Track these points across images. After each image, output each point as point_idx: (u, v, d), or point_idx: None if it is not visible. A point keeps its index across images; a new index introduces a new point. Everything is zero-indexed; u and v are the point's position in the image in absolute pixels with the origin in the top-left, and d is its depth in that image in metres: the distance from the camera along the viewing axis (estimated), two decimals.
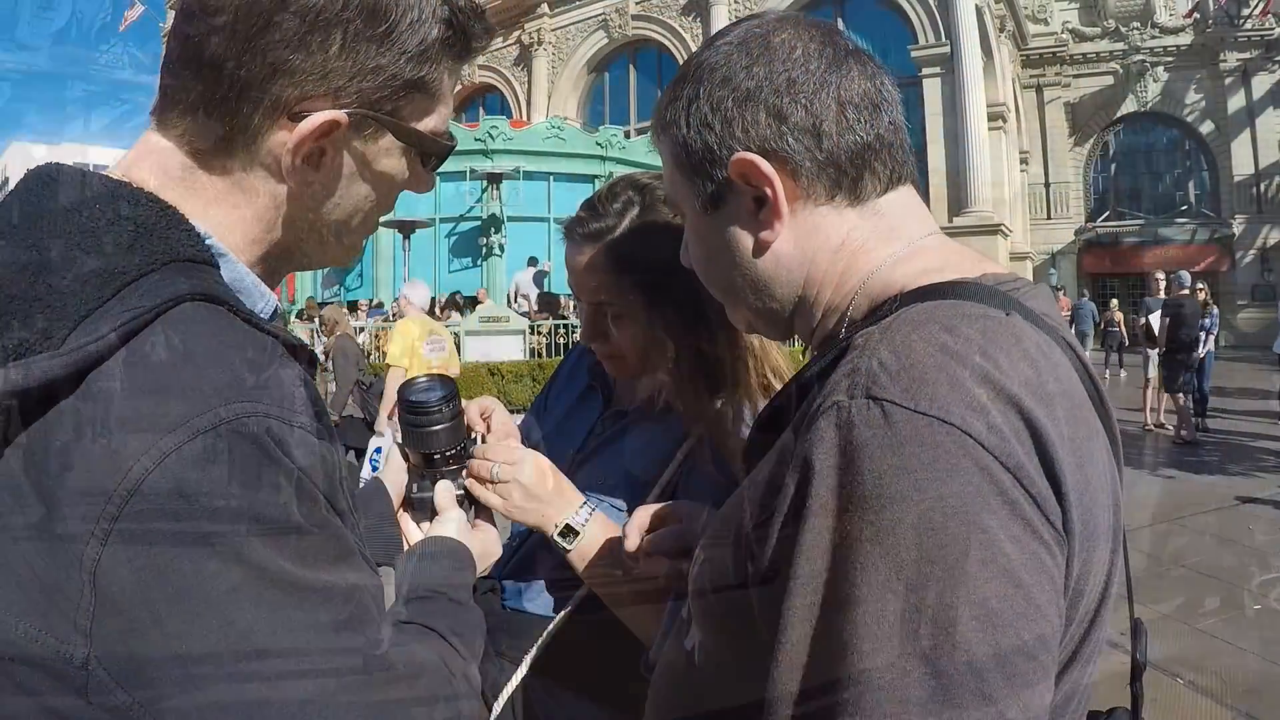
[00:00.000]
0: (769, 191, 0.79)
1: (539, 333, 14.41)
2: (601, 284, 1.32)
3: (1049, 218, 32.19)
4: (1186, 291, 11.15)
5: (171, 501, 0.60)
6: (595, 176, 19.40)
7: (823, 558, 0.61)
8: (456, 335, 13.86)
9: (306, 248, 0.83)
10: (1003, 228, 24.60)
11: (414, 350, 6.85)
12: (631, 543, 1.10)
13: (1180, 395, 10.74)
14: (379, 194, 0.82)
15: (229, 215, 0.76)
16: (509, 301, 16.65)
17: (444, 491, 1.15)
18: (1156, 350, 11.51)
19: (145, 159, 0.76)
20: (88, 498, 0.60)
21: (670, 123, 0.85)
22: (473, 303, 15.86)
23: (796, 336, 0.92)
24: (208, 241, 0.73)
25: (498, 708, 1.33)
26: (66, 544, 0.60)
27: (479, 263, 18.46)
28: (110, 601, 0.60)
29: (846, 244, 0.82)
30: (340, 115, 0.73)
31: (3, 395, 0.60)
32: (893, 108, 0.83)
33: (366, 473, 7.46)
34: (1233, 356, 17.84)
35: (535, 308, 15.62)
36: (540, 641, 1.32)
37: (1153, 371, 11.99)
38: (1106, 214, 32.30)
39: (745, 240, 0.83)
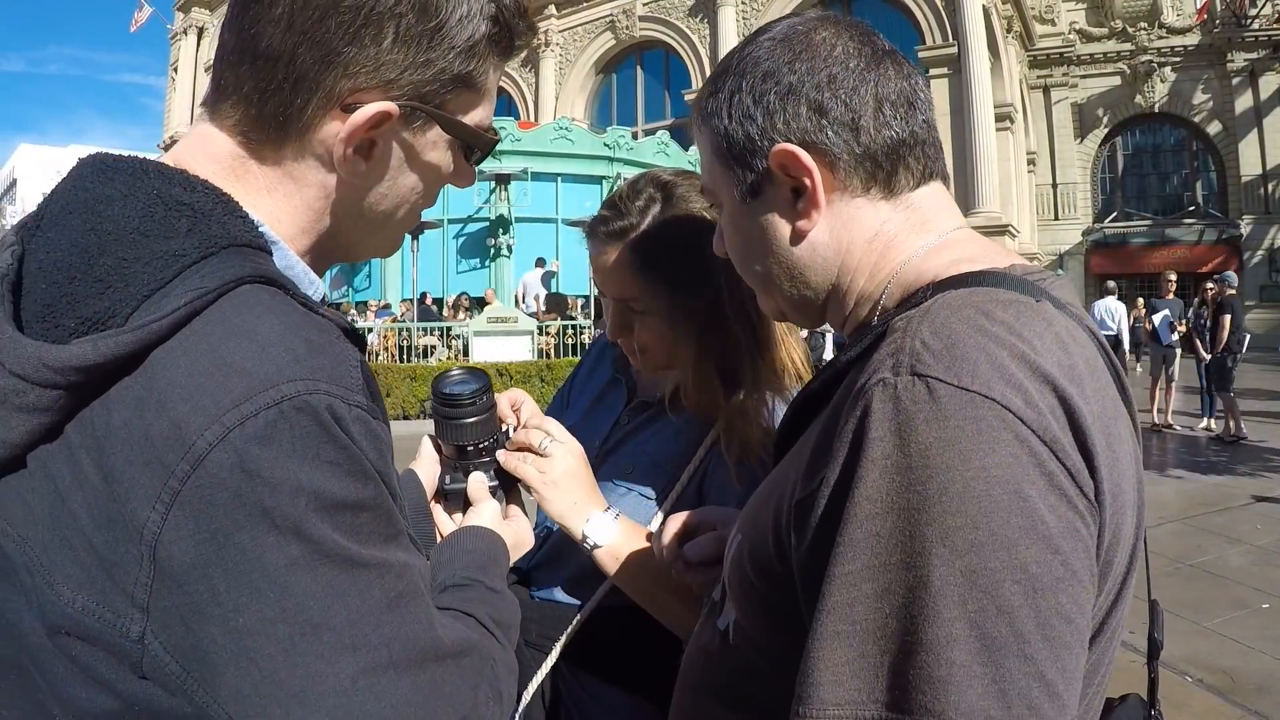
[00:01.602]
0: (808, 182, 0.83)
1: (547, 333, 14.44)
2: (626, 281, 1.34)
3: (1056, 218, 32.13)
4: (1233, 291, 11.23)
5: (234, 476, 0.60)
6: (603, 177, 19.42)
7: (870, 525, 0.63)
8: (464, 336, 13.89)
9: (353, 237, 0.84)
10: (1010, 228, 24.51)
11: None
12: (669, 552, 1.11)
13: (1231, 395, 10.78)
14: (425, 185, 0.84)
15: (280, 204, 0.78)
16: (516, 302, 16.67)
17: (477, 483, 1.16)
18: (1179, 351, 11.62)
19: (197, 148, 0.77)
20: (150, 472, 0.61)
21: (712, 114, 0.88)
22: (481, 303, 15.90)
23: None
24: (260, 229, 0.74)
25: (527, 696, 1.35)
26: (127, 518, 0.61)
27: (487, 263, 18.48)
28: (169, 575, 0.61)
29: (880, 235, 0.85)
30: (392, 107, 0.75)
31: (68, 370, 0.61)
32: (926, 107, 0.86)
33: None
34: (1240, 357, 17.81)
35: (543, 308, 15.65)
36: (569, 630, 1.35)
37: (1158, 370, 12.02)
38: (1114, 215, 32.22)
39: (783, 229, 0.86)
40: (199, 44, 46.23)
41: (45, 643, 0.65)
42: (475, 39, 0.77)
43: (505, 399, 1.29)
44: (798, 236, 0.86)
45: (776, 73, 0.83)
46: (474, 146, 0.85)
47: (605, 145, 19.59)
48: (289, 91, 0.73)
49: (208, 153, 0.76)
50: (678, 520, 1.14)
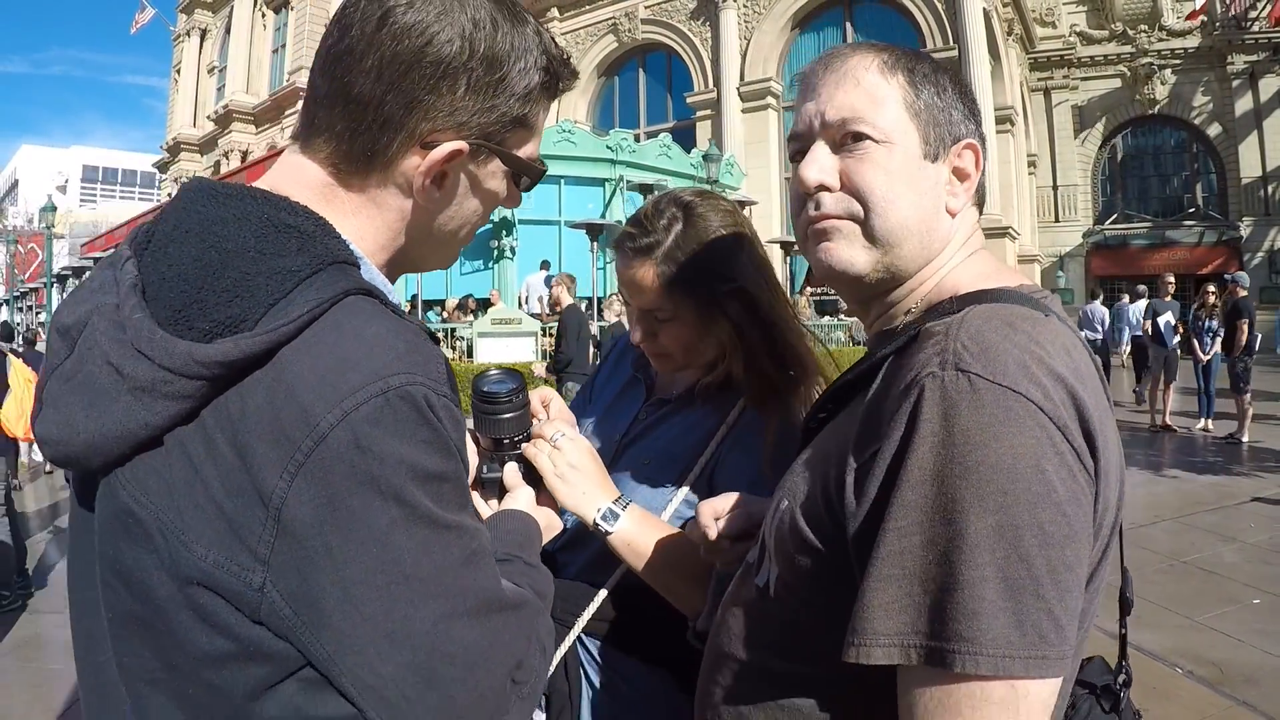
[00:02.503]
0: (975, 173, 1.02)
1: (550, 334, 14.54)
2: (652, 293, 1.47)
3: (1057, 220, 32.23)
4: (1244, 292, 11.36)
5: (350, 451, 0.72)
6: (605, 180, 19.52)
7: (920, 489, 0.78)
8: (469, 338, 13.98)
9: (423, 252, 0.97)
10: (1011, 230, 24.62)
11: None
12: (711, 532, 1.24)
13: (1247, 396, 10.91)
14: (484, 208, 0.97)
15: (363, 225, 0.90)
16: (520, 304, 16.79)
17: (512, 472, 1.28)
18: (1179, 353, 11.74)
19: (291, 175, 0.89)
20: (279, 448, 0.72)
21: (923, 79, 1.00)
22: (485, 305, 16.01)
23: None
24: (350, 247, 0.87)
25: (550, 667, 1.48)
26: (257, 486, 0.73)
27: (490, 265, 18.60)
28: (290, 533, 0.73)
29: (971, 239, 1.04)
30: (463, 145, 0.88)
31: (214, 364, 0.73)
32: None
33: None
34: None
35: (546, 310, 15.75)
36: (591, 607, 1.48)
37: (1158, 371, 12.14)
38: (1114, 216, 32.31)
39: (939, 195, 1.00)
40: (201, 46, 46.24)
41: (175, 595, 0.77)
42: (531, 87, 0.91)
43: (537, 397, 1.41)
44: (945, 207, 1.01)
45: (965, 90, 1.04)
46: (526, 175, 0.98)
47: (608, 148, 19.67)
48: (377, 131, 0.86)
49: (300, 180, 0.89)
50: (710, 504, 1.26)
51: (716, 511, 1.25)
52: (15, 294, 36.07)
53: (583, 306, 15.43)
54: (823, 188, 0.99)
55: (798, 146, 1.03)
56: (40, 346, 11.39)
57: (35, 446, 10.32)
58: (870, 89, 0.98)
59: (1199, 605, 5.12)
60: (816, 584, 0.92)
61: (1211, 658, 4.38)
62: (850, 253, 0.99)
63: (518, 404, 1.29)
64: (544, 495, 1.32)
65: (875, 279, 1.01)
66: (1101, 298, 19.07)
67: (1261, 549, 6.29)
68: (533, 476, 1.33)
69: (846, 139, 0.98)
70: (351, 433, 0.73)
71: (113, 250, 0.91)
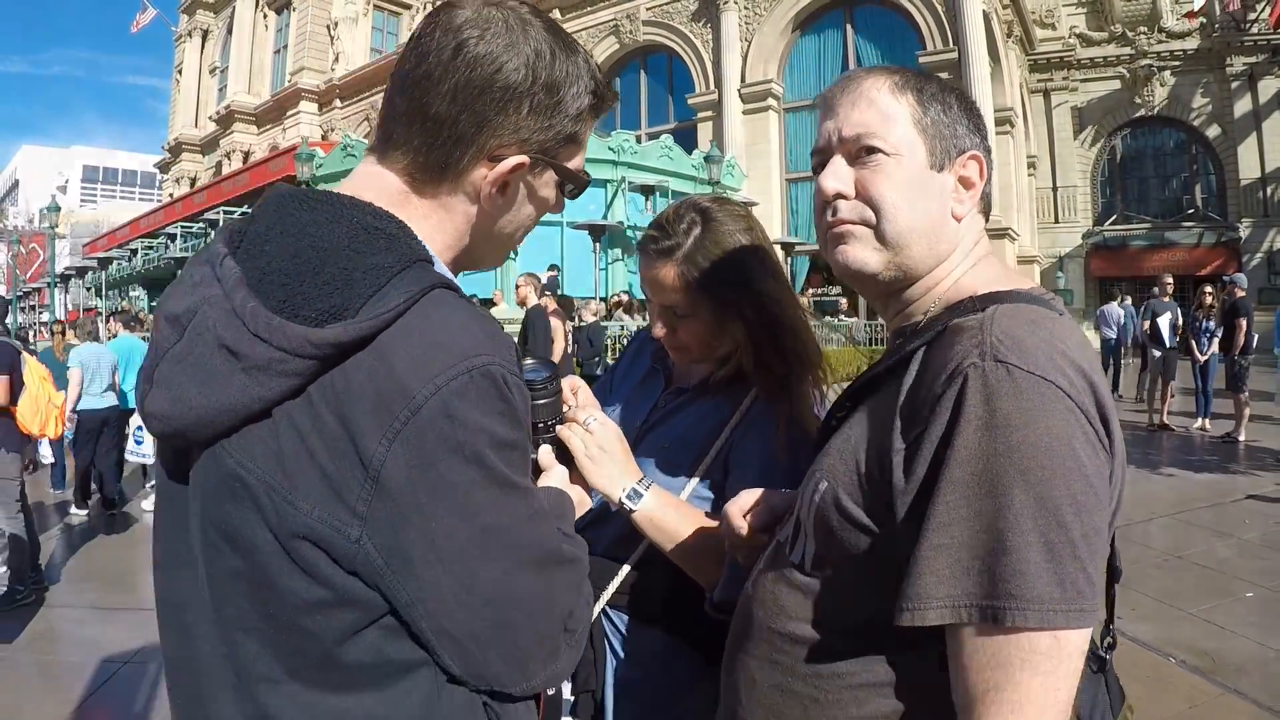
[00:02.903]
0: (979, 182, 1.12)
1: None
2: (673, 291, 1.60)
3: (1056, 221, 32.32)
4: (1243, 293, 11.45)
5: (440, 420, 0.83)
6: (607, 181, 19.58)
7: (967, 466, 0.88)
8: None
9: (482, 253, 1.09)
10: (1010, 231, 24.71)
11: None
12: (744, 529, 1.33)
13: (1244, 395, 10.99)
14: (537, 214, 1.09)
15: (433, 228, 1.01)
16: (522, 304, 16.85)
17: (546, 453, 1.38)
18: (1174, 352, 11.84)
19: (370, 184, 1.00)
20: (379, 418, 0.83)
21: (930, 98, 1.11)
22: (488, 305, 16.11)
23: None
24: (425, 247, 0.97)
25: (591, 621, 1.58)
26: (358, 451, 0.83)
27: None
28: (386, 492, 0.83)
29: (980, 244, 1.15)
30: (525, 158, 1.00)
31: (326, 345, 0.84)
32: None
33: (131, 447, 8.55)
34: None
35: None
36: (616, 580, 1.60)
37: (1156, 370, 12.25)
38: (1114, 217, 32.38)
39: (945, 202, 1.11)
40: (203, 46, 46.35)
41: (278, 547, 0.87)
42: (582, 108, 1.03)
43: (566, 384, 1.52)
44: (950, 213, 1.11)
45: (970, 106, 1.14)
46: (573, 185, 1.10)
47: (610, 149, 19.72)
48: (450, 146, 0.97)
49: (379, 187, 1.00)
50: (735, 504, 1.36)
51: (742, 509, 1.35)
52: (17, 294, 36.10)
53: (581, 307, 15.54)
54: (840, 196, 1.10)
55: (819, 160, 1.14)
56: (38, 345, 11.41)
57: (40, 445, 10.38)
58: (882, 108, 1.09)
59: (1193, 598, 5.22)
60: (856, 557, 1.02)
61: (1204, 648, 4.48)
62: (864, 253, 1.10)
63: (552, 391, 1.39)
64: (574, 475, 1.42)
65: (888, 277, 1.12)
66: (1119, 299, 19.17)
67: (1255, 544, 6.40)
68: (564, 457, 1.43)
69: (861, 152, 1.09)
70: (442, 404, 0.84)
71: (200, 246, 1.01)
